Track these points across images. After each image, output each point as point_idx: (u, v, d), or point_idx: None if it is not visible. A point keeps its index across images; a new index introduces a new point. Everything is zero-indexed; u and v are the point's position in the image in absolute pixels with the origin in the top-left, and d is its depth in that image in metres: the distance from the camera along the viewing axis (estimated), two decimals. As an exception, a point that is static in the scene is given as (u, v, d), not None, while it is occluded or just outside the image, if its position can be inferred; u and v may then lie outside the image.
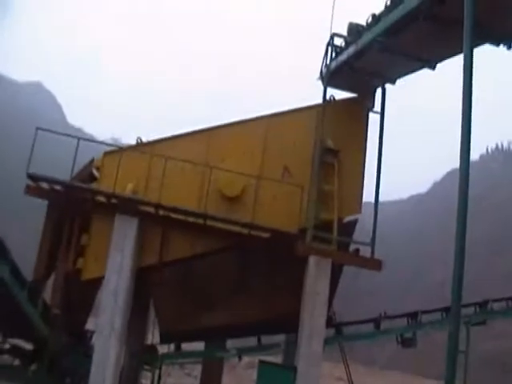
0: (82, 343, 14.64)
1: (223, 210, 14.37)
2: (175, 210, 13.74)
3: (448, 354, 9.38)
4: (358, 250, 14.67)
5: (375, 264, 14.71)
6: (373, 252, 14.80)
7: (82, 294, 14.05)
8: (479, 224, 66.62)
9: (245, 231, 14.20)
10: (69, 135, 14.57)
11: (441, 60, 13.36)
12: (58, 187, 13.98)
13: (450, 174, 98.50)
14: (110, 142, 47.58)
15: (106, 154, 14.25)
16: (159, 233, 13.93)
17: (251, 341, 15.22)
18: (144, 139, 14.65)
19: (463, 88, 9.90)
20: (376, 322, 15.33)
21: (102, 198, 13.87)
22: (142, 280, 13.77)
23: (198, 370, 21.24)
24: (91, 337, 14.43)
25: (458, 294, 9.31)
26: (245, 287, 14.47)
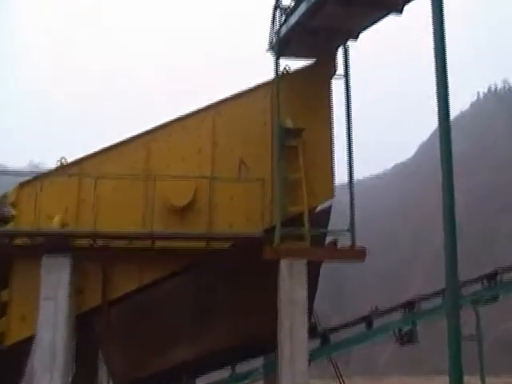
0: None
1: (174, 224, 13.46)
2: (114, 236, 12.80)
3: (449, 340, 8.62)
4: (335, 242, 13.84)
5: (357, 254, 13.83)
6: (353, 240, 13.87)
7: (7, 363, 12.81)
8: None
9: (201, 245, 13.34)
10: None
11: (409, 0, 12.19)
12: None
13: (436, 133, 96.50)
14: (27, 169, 43.37)
15: (23, 184, 13.14)
16: (99, 268, 12.97)
17: (225, 372, 14.41)
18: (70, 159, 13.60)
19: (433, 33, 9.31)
20: (367, 320, 14.04)
21: (22, 240, 12.80)
22: (85, 328, 12.85)
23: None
24: None
25: (452, 257, 8.77)
26: (208, 312, 13.58)
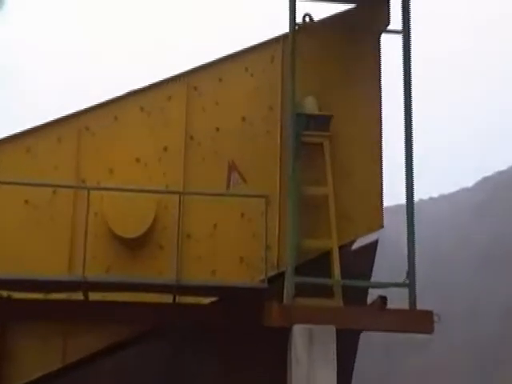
0: None
1: (122, 266, 12.01)
2: (14, 281, 11.16)
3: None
4: (384, 301, 11.97)
5: (422, 322, 12.01)
6: (413, 299, 12.05)
7: None
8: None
9: (167, 299, 11.99)
10: None
11: None
12: None
13: None
14: None
15: None
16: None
17: None
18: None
19: None
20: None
21: None
22: None
23: None
24: None
25: None
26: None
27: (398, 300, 12.16)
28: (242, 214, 12.24)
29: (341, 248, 12.29)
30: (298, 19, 12.55)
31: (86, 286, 11.43)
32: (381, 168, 12.94)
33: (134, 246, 12.05)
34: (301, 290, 11.62)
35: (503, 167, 50.25)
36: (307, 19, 12.86)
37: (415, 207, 12.59)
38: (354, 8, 13.22)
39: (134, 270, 11.92)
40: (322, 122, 12.46)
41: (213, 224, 12.22)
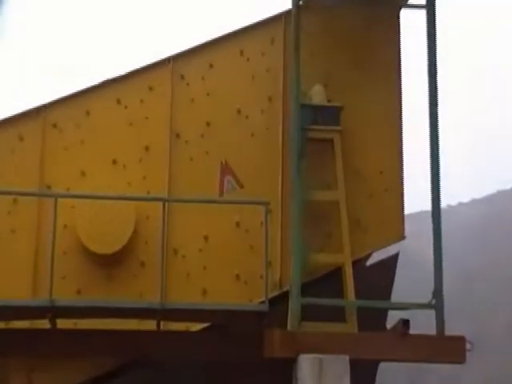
0: None
1: (100, 285, 11.52)
2: None
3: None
4: (407, 325, 11.42)
5: (452, 350, 11.42)
6: (441, 323, 11.45)
7: None
8: None
9: (151, 325, 11.46)
10: None
11: None
12: None
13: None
14: None
15: None
16: None
17: None
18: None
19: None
20: None
21: None
22: None
23: None
24: None
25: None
26: None
27: (423, 324, 11.94)
28: (238, 224, 11.65)
29: (355, 263, 11.75)
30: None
31: (54, 311, 10.86)
32: (401, 168, 12.32)
33: (111, 264, 11.51)
34: (308, 314, 11.10)
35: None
36: None
37: (442, 214, 12.06)
38: None
39: (110, 291, 11.32)
40: (331, 114, 11.89)
41: (203, 236, 11.61)
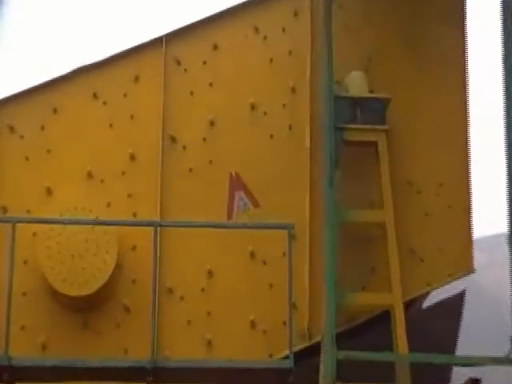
0: None
1: (71, 337, 10.46)
2: None
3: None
4: None
5: None
6: None
7: None
8: None
9: None
10: None
11: None
12: None
13: None
14: None
15: None
16: None
17: None
18: None
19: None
20: None
21: None
22: None
23: None
24: None
25: None
26: None
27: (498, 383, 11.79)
28: (253, 255, 10.54)
29: (407, 305, 10.86)
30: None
31: (11, 371, 9.75)
32: (468, 179, 11.18)
33: (86, 309, 10.49)
34: (345, 371, 9.77)
35: None
36: None
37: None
38: None
39: (85, 346, 10.32)
40: (374, 109, 10.86)
41: (207, 271, 10.56)
